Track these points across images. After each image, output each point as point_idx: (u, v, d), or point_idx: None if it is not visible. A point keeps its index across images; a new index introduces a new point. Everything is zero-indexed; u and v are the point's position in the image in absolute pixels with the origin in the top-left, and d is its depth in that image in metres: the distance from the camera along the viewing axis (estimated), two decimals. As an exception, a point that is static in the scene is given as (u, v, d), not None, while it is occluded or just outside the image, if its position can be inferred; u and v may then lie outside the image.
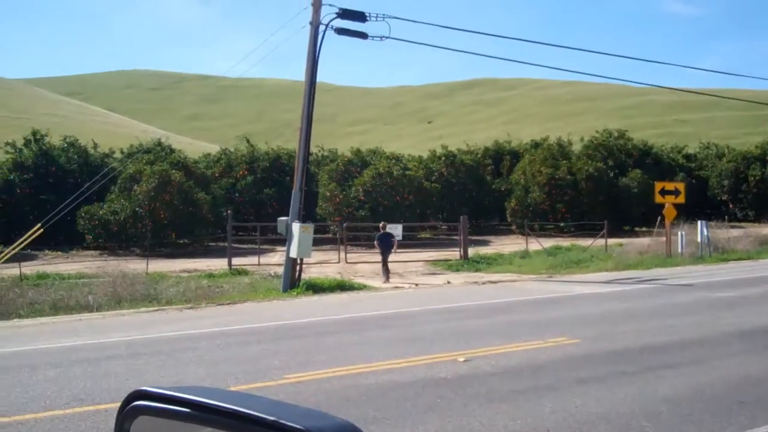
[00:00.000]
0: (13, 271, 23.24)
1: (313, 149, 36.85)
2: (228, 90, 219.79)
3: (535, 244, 32.20)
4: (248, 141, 47.45)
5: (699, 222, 30.14)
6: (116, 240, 34.22)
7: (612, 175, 42.84)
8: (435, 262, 29.06)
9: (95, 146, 42.59)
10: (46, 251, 32.83)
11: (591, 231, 34.92)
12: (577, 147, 47.32)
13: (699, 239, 29.32)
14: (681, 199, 29.41)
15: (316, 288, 20.93)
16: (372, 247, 33.11)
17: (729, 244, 31.27)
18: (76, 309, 18.00)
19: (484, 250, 31.88)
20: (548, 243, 33.27)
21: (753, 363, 9.89)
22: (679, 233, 29.42)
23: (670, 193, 29.50)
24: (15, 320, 16.54)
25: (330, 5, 20.85)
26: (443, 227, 41.19)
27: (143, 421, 1.72)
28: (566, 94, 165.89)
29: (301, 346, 11.75)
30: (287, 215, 21.22)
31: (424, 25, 23.33)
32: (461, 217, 30.58)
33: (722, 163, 50.59)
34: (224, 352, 11.50)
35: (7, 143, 40.61)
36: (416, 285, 22.80)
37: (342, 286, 21.71)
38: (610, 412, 7.49)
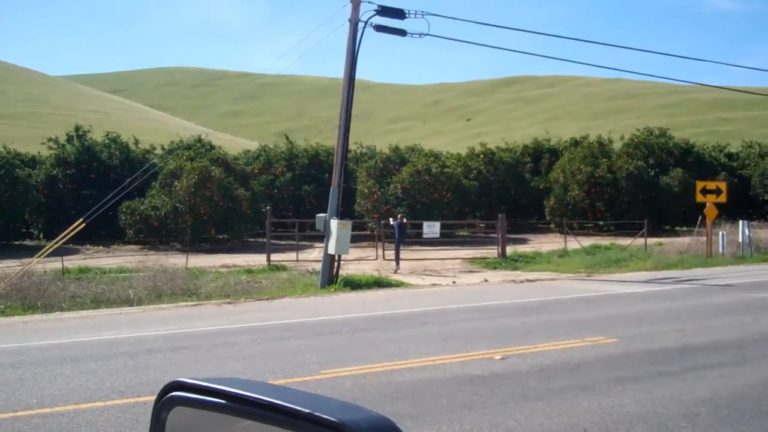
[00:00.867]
0: (55, 264, 23.56)
1: (352, 146, 36.86)
2: (267, 87, 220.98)
3: (574, 243, 31.96)
4: (287, 138, 47.63)
5: (740, 222, 29.70)
6: (157, 235, 34.55)
7: (652, 173, 42.35)
8: (473, 260, 28.96)
9: (136, 142, 43.00)
10: (88, 246, 33.25)
11: (630, 230, 34.58)
12: (617, 145, 46.81)
13: (740, 239, 28.91)
14: (722, 199, 29.02)
15: (354, 284, 20.96)
16: (409, 244, 33.16)
17: (771, 245, 30.79)
18: (116, 303, 18.21)
19: (522, 249, 31.70)
20: (587, 242, 33.01)
21: (794, 365, 9.76)
22: (720, 233, 29.05)
23: (711, 192, 29.13)
24: (57, 313, 16.78)
25: (369, 2, 20.82)
26: (481, 225, 41.02)
27: (179, 412, 1.75)
28: (607, 91, 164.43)
29: (338, 342, 11.80)
30: (325, 212, 21.25)
31: (463, 22, 23.26)
32: (499, 215, 30.44)
33: (765, 162, 49.78)
34: (262, 346, 11.58)
35: (50, 139, 41.16)
36: (454, 283, 22.74)
37: (379, 283, 21.73)
38: (647, 412, 7.43)
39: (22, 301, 17.92)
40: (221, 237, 35.87)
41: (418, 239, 32.44)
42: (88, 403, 8.00)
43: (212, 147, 43.62)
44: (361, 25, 20.89)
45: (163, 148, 43.37)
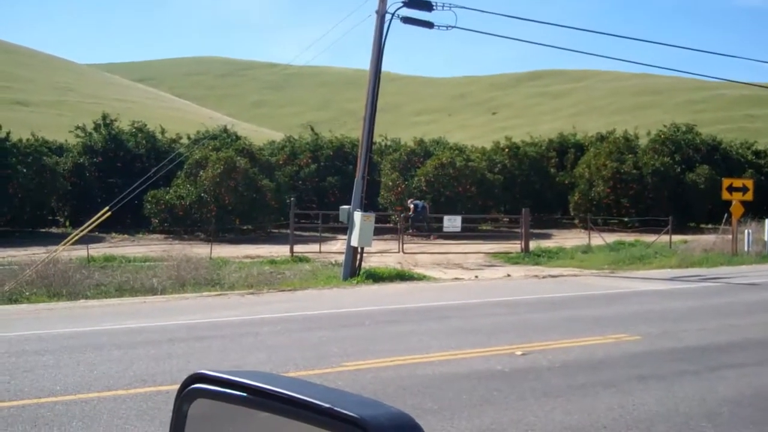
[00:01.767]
0: (80, 252, 23.77)
1: (377, 138, 36.83)
2: (294, 78, 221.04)
3: (598, 239, 31.80)
4: (312, 129, 47.71)
5: (766, 220, 29.47)
6: (181, 224, 34.72)
7: (678, 170, 41.99)
8: (495, 255, 28.90)
9: (163, 131, 43.18)
10: (113, 234, 33.50)
11: (655, 227, 34.35)
12: (643, 141, 46.43)
13: (766, 238, 28.66)
14: (749, 197, 28.77)
15: (376, 277, 20.98)
16: (431, 237, 33.16)
17: (798, 244, 30.50)
18: (140, 291, 18.35)
19: (545, 244, 31.60)
20: (611, 238, 32.82)
21: (819, 366, 9.68)
22: (746, 231, 28.80)
23: (737, 189, 28.89)
24: (82, 301, 16.93)
25: (396, -7, 20.80)
26: (505, 219, 40.90)
27: (201, 404, 1.77)
28: (634, 86, 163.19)
29: (359, 335, 11.84)
30: (349, 204, 21.28)
31: (491, 15, 23.18)
32: (523, 209, 30.35)
33: (793, 160, 49.22)
34: (285, 337, 11.63)
35: (78, 127, 41.46)
36: (476, 277, 22.71)
37: (402, 276, 21.73)
38: (669, 410, 7.40)
39: (48, 288, 18.09)
40: (245, 227, 35.99)
41: (440, 233, 32.44)
42: (111, 390, 8.08)
43: (238, 137, 43.77)
44: (388, 17, 20.85)
45: (189, 138, 43.59)
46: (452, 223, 30.69)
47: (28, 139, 37.92)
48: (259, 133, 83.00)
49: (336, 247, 29.12)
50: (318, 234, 31.43)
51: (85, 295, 17.71)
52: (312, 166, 42.19)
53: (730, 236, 28.82)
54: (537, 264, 26.44)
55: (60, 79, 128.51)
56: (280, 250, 28.01)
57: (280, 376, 1.80)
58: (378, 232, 25.40)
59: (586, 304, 16.00)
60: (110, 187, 35.39)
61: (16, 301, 16.82)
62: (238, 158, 35.90)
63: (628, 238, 34.02)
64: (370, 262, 24.15)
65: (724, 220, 31.48)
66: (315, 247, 28.55)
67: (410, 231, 30.96)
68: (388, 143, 46.20)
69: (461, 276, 22.87)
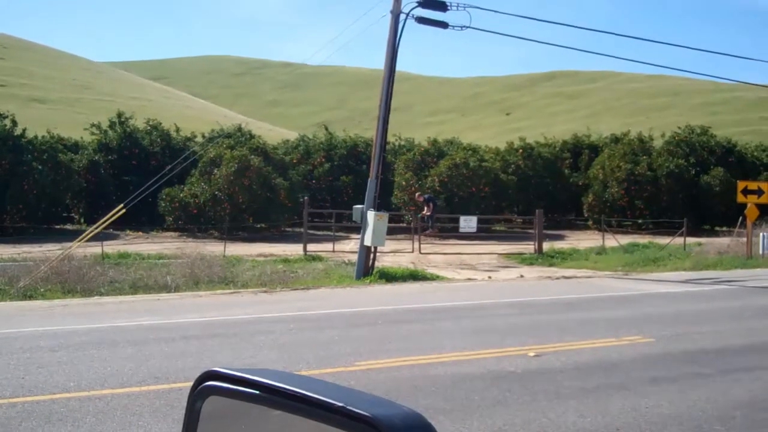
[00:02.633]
0: (95, 249, 23.85)
1: (390, 138, 36.80)
2: (308, 77, 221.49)
3: (612, 241, 31.70)
4: (326, 128, 47.74)
5: (782, 223, 29.35)
6: (195, 222, 34.82)
7: (693, 172, 41.83)
8: (509, 255, 28.86)
9: (177, 130, 43.30)
10: (128, 231, 33.64)
11: (670, 229, 34.22)
12: (658, 143, 46.23)
13: (781, 241, 28.52)
14: (764, 199, 28.61)
15: (389, 277, 20.98)
16: (446, 237, 33.14)
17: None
18: (154, 289, 18.40)
19: (559, 245, 31.52)
20: (625, 240, 32.73)
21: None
22: (761, 234, 28.65)
23: (753, 192, 28.73)
24: (96, 297, 16.99)
25: (411, -7, 20.80)
26: (518, 220, 40.87)
27: (214, 401, 1.78)
28: (649, 88, 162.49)
29: (372, 334, 11.84)
30: (363, 203, 21.29)
31: (505, 15, 23.14)
32: (537, 210, 30.31)
33: (809, 163, 48.90)
34: (297, 336, 11.65)
35: (93, 125, 41.61)
36: (489, 277, 22.69)
37: (415, 276, 21.73)
38: (682, 413, 7.37)
39: (62, 284, 18.15)
40: (259, 226, 36.04)
41: (454, 233, 32.41)
42: (124, 387, 8.11)
43: (252, 136, 43.82)
44: (402, 16, 20.86)
45: (203, 136, 43.67)
46: (468, 223, 30.66)
47: (44, 136, 38.06)
48: (273, 132, 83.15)
49: (349, 246, 29.14)
50: (331, 233, 31.45)
51: (100, 291, 17.77)
52: (326, 165, 42.24)
53: (745, 239, 28.67)
54: (550, 265, 26.38)
55: (76, 77, 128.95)
56: (294, 249, 28.04)
57: (292, 374, 1.80)
58: (391, 231, 25.41)
59: (599, 305, 15.95)
60: (125, 185, 35.49)
61: (30, 298, 16.89)
62: (252, 157, 35.96)
63: (642, 239, 33.91)
64: (383, 261, 24.14)
65: (738, 223, 31.32)
66: (328, 246, 28.56)
67: (429, 231, 31.03)
68: (402, 143, 46.18)
69: (474, 276, 22.85)
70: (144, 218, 35.19)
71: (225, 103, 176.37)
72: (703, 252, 28.82)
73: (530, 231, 32.76)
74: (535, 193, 41.74)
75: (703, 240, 32.91)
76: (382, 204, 23.25)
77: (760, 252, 27.98)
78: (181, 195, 34.69)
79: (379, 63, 21.97)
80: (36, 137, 36.79)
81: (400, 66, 22.21)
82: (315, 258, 25.92)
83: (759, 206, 28.46)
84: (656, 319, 13.60)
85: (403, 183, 38.32)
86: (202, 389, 1.79)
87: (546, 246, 29.54)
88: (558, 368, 9.29)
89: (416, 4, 20.79)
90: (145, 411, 7.25)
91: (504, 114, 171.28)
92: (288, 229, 37.36)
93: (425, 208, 32.19)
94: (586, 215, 42.15)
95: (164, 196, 34.31)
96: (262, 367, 6.77)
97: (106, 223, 21.35)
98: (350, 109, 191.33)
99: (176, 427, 6.58)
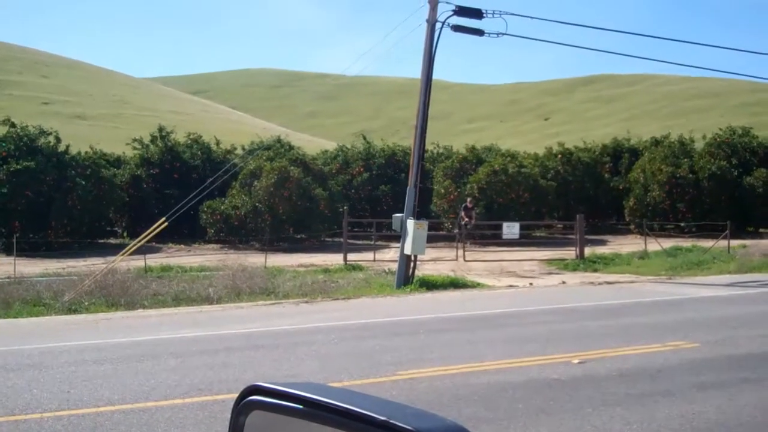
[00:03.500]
0: (138, 263, 24.12)
1: (428, 146, 36.75)
2: (345, 88, 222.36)
3: (654, 245, 31.34)
4: (365, 138, 47.82)
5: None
6: (237, 234, 35.05)
7: (735, 174, 41.27)
8: (550, 262, 28.66)
9: (218, 143, 43.64)
10: (170, 244, 33.97)
11: (713, 232, 33.76)
12: (699, 145, 45.69)
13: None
14: (810, 200, 28.16)
15: (430, 285, 20.94)
16: (486, 244, 33.01)
17: None
18: (197, 301, 18.55)
19: (600, 250, 31.24)
20: (668, 243, 32.34)
21: None
22: (809, 235, 28.20)
23: (798, 193, 28.28)
24: (139, 310, 17.17)
25: (446, 2, 20.78)
26: (559, 226, 40.56)
27: (257, 416, 1.79)
28: (688, 90, 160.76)
29: (413, 343, 11.81)
30: (402, 212, 21.29)
31: (541, 21, 23.04)
32: (577, 215, 30.08)
33: None
34: (338, 346, 11.66)
35: (135, 139, 42.11)
36: (530, 284, 22.55)
37: (455, 284, 21.66)
38: (729, 419, 7.26)
39: (106, 298, 18.37)
40: (299, 236, 36.20)
41: (495, 240, 32.28)
42: (168, 400, 8.18)
43: (291, 147, 44.05)
44: (438, 25, 20.86)
45: (243, 149, 43.97)
46: (511, 230, 30.55)
47: (86, 152, 38.60)
48: (312, 143, 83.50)
49: (389, 255, 29.14)
50: (371, 242, 31.45)
51: (143, 304, 17.95)
52: (364, 174, 42.31)
53: (791, 240, 28.22)
54: (593, 271, 26.15)
55: (117, 93, 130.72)
56: (334, 259, 28.11)
57: (335, 388, 1.80)
58: (431, 239, 25.36)
59: (643, 311, 15.77)
60: (166, 198, 35.84)
61: (75, 311, 17.12)
62: (292, 168, 36.13)
63: (685, 243, 33.50)
64: (424, 270, 24.09)
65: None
66: (368, 255, 28.59)
67: (471, 240, 31.16)
68: (440, 151, 46.14)
69: (516, 283, 22.73)
70: (186, 231, 35.52)
71: (264, 115, 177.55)
72: (748, 254, 28.38)
73: (571, 236, 32.51)
74: (575, 198, 41.45)
75: (747, 242, 32.44)
76: (421, 212, 23.23)
77: (807, 254, 27.49)
78: (222, 207, 34.96)
79: (416, 72, 21.98)
80: (79, 153, 37.32)
81: (437, 74, 22.22)
82: (355, 267, 25.95)
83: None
84: (701, 324, 13.42)
85: (442, 191, 38.26)
86: (246, 404, 1.80)
87: (587, 251, 29.29)
88: (602, 375, 9.21)
89: (452, 13, 20.78)
90: (189, 423, 7.30)
91: (542, 119, 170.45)
92: (328, 239, 37.46)
93: (463, 214, 32.25)
94: (627, 219, 41.76)
95: (205, 209, 34.60)
96: (304, 378, 6.78)
97: (149, 236, 21.59)
98: (387, 119, 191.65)
99: (220, 439, 6.62)
